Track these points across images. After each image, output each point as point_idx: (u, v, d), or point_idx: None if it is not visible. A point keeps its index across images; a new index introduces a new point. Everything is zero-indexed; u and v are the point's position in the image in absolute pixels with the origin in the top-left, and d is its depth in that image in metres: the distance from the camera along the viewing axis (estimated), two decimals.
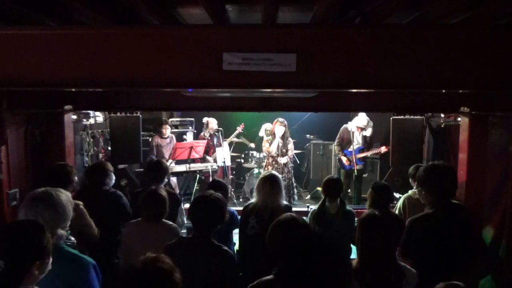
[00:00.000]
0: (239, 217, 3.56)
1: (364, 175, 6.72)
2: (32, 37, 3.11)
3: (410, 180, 4.19)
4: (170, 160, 6.31)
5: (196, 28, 3.39)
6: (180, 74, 3.16)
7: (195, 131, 8.00)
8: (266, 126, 7.28)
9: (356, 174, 6.32)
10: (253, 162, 7.71)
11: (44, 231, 1.78)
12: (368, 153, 6.45)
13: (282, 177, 4.30)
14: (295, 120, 7.91)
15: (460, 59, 3.08)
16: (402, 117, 4.83)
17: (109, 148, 5.91)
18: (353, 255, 2.91)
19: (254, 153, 7.75)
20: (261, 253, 2.34)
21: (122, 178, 4.82)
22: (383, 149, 6.28)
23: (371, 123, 6.45)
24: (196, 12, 3.23)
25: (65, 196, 2.21)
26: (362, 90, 3.80)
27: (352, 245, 3.32)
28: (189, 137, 7.81)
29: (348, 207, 3.79)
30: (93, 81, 3.22)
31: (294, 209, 3.80)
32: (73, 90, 3.92)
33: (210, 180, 6.27)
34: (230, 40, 3.08)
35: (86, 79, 3.18)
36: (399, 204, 3.92)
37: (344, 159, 6.44)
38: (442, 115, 5.52)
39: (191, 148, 6.49)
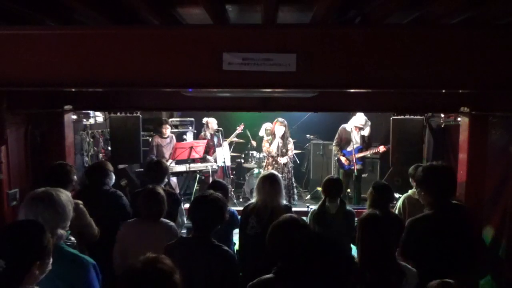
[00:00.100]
0: (239, 217, 3.56)
1: (363, 175, 6.72)
2: (32, 37, 3.11)
3: (410, 180, 4.19)
4: (170, 160, 6.31)
5: (196, 28, 3.39)
6: (180, 74, 3.15)
7: (195, 131, 8.00)
8: (266, 125, 7.28)
9: (356, 174, 6.33)
10: (253, 162, 7.72)
11: (45, 231, 1.78)
12: (367, 153, 6.46)
13: (282, 177, 4.30)
14: (295, 120, 7.91)
15: (460, 59, 3.08)
16: (402, 117, 4.83)
17: (109, 148, 5.91)
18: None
19: (254, 153, 7.75)
20: (261, 253, 2.34)
21: (122, 178, 4.83)
22: (382, 148, 6.29)
23: (368, 123, 6.45)
24: (196, 12, 3.22)
25: (65, 196, 2.21)
26: (362, 90, 3.81)
27: (352, 245, 3.32)
28: (189, 137, 7.81)
29: (348, 207, 3.79)
30: (93, 81, 3.21)
31: (294, 209, 3.81)
32: (73, 90, 3.93)
33: (210, 180, 6.29)
34: (230, 40, 3.08)
35: (86, 79, 3.18)
36: (399, 204, 3.92)
37: (343, 159, 6.45)
38: (442, 115, 5.52)
39: (191, 148, 6.50)
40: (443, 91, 3.90)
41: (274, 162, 6.53)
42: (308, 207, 4.58)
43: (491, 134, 4.33)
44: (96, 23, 3.47)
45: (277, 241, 2.12)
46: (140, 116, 4.97)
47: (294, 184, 7.01)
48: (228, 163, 7.31)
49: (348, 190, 6.82)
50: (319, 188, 5.78)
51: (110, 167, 3.80)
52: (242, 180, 8.05)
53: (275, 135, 6.48)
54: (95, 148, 6.23)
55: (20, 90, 3.48)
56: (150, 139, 6.69)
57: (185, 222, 3.97)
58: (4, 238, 1.74)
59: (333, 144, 6.70)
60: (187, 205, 3.50)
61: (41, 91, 3.93)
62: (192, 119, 8.06)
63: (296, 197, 7.15)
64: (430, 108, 4.92)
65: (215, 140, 7.21)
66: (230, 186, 6.82)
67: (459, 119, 4.79)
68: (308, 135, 8.49)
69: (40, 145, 4.26)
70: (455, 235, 2.71)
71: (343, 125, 6.58)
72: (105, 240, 3.12)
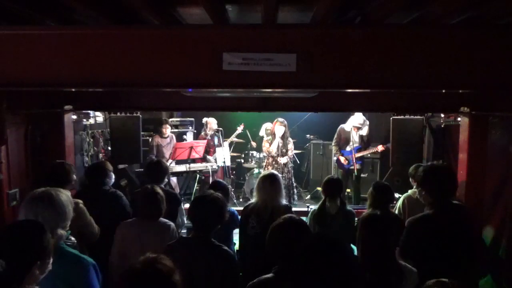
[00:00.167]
0: (239, 217, 3.56)
1: (362, 175, 6.73)
2: (32, 37, 3.11)
3: (410, 180, 4.19)
4: (170, 160, 6.31)
5: (196, 28, 3.39)
6: (180, 74, 3.15)
7: (195, 131, 8.00)
8: (267, 125, 7.28)
9: (355, 174, 6.33)
10: (253, 162, 7.72)
11: (45, 231, 1.78)
12: (366, 152, 6.46)
13: (282, 177, 4.31)
14: (295, 120, 7.90)
15: (460, 59, 3.08)
16: (402, 117, 4.83)
17: (109, 148, 5.91)
18: None
19: (254, 153, 7.75)
20: (261, 253, 2.34)
21: (122, 178, 4.83)
22: (380, 147, 6.31)
23: (367, 122, 6.46)
24: (196, 12, 3.22)
25: (65, 196, 2.21)
26: (362, 90, 3.81)
27: (352, 245, 3.32)
28: (189, 137, 7.81)
29: (348, 207, 3.79)
30: (93, 81, 3.21)
31: (294, 209, 3.81)
32: (73, 90, 3.93)
33: (210, 180, 6.29)
34: (230, 40, 3.08)
35: (86, 79, 3.18)
36: (399, 204, 3.92)
37: (342, 158, 6.46)
38: (442, 115, 5.52)
39: (191, 148, 6.50)
40: (443, 91, 3.90)
41: (274, 162, 6.53)
42: (308, 207, 4.58)
43: (491, 134, 4.33)
44: (96, 23, 3.47)
45: (276, 242, 2.12)
46: (140, 116, 4.98)
47: (294, 184, 7.01)
48: (228, 163, 7.31)
49: (348, 190, 6.82)
50: (319, 188, 5.78)
51: (110, 167, 3.80)
52: (242, 180, 8.05)
53: (275, 135, 6.48)
54: (95, 148, 6.23)
55: (20, 90, 3.49)
56: (150, 139, 6.70)
57: (185, 222, 3.97)
58: (4, 238, 1.74)
59: (332, 144, 6.70)
60: (187, 205, 3.50)
61: (41, 91, 3.93)
62: (192, 119, 8.06)
63: (296, 197, 7.14)
64: (430, 108, 4.92)
65: (215, 140, 7.22)
66: (230, 186, 6.83)
67: (459, 119, 4.79)
68: (308, 135, 8.49)
69: (40, 145, 4.26)
70: (455, 235, 2.71)
71: (341, 125, 6.59)
72: (105, 240, 3.12)
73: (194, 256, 2.37)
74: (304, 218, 3.63)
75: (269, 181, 3.36)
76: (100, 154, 6.38)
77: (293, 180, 6.85)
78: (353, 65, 3.09)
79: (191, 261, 2.34)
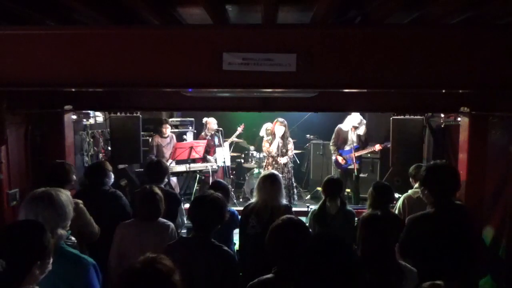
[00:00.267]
0: (239, 217, 3.56)
1: (361, 175, 6.73)
2: (32, 37, 3.11)
3: (410, 180, 4.19)
4: (170, 160, 6.31)
5: (196, 28, 3.39)
6: (180, 74, 3.15)
7: (195, 131, 8.00)
8: (267, 125, 7.28)
9: (355, 174, 6.34)
10: (253, 162, 7.72)
11: (45, 231, 1.78)
12: (364, 152, 6.47)
13: (282, 177, 4.30)
14: (295, 120, 7.90)
15: (460, 59, 3.08)
16: (402, 117, 4.83)
17: (109, 148, 5.91)
18: None
19: (254, 153, 7.76)
20: (261, 253, 2.34)
21: (122, 178, 4.83)
22: (378, 147, 6.32)
23: (364, 122, 6.47)
24: (196, 12, 3.22)
25: (65, 196, 2.22)
26: (362, 90, 3.80)
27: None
28: (189, 137, 7.81)
29: (348, 207, 3.79)
30: (93, 81, 3.21)
31: (294, 209, 3.81)
32: (73, 90, 3.92)
33: (210, 180, 6.30)
34: (230, 40, 3.08)
35: (86, 79, 3.18)
36: (399, 204, 3.92)
37: (340, 158, 6.46)
38: (442, 115, 5.52)
39: (191, 148, 6.50)
40: (443, 91, 3.90)
41: (274, 162, 6.53)
42: (308, 207, 4.58)
43: (491, 134, 4.33)
44: (96, 23, 3.47)
45: (275, 243, 2.12)
46: (140, 116, 4.98)
47: (294, 184, 7.01)
48: (228, 163, 7.32)
49: (348, 190, 6.82)
50: (319, 188, 5.78)
51: (109, 167, 3.80)
52: (242, 180, 8.05)
53: (275, 135, 6.49)
54: (95, 148, 6.23)
55: (20, 90, 3.48)
56: (150, 139, 6.70)
57: (185, 222, 3.97)
58: (5, 238, 1.74)
59: (330, 144, 6.71)
60: (187, 205, 3.50)
61: (41, 91, 3.93)
62: (192, 119, 8.06)
63: (296, 197, 7.15)
64: (430, 108, 4.92)
65: (216, 140, 7.22)
66: (230, 186, 6.83)
67: (459, 119, 4.79)
68: (308, 135, 8.49)
69: (40, 145, 4.26)
70: (455, 234, 2.71)
71: (339, 125, 6.61)
72: (105, 240, 3.12)
73: (194, 256, 2.37)
74: (304, 218, 3.64)
75: (270, 181, 3.36)
76: (100, 154, 6.37)
77: (293, 180, 6.85)
78: (353, 65, 3.09)
79: (191, 261, 2.34)
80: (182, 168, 6.41)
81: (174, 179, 6.64)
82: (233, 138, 7.77)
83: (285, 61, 3.01)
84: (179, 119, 8.11)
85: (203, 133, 7.28)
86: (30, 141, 4.06)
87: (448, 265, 2.63)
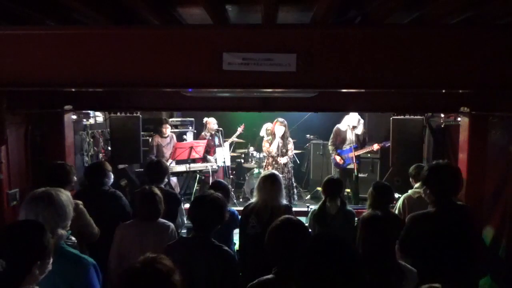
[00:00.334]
0: (239, 217, 3.56)
1: (361, 175, 6.73)
2: (32, 37, 3.11)
3: (410, 180, 4.19)
4: (170, 160, 6.31)
5: (196, 28, 3.39)
6: (180, 74, 3.15)
7: (195, 131, 8.01)
8: (267, 125, 7.28)
9: (355, 173, 6.34)
10: (253, 162, 7.72)
11: (45, 231, 1.78)
12: (362, 151, 6.47)
13: (282, 177, 4.30)
14: (295, 120, 7.90)
15: (460, 59, 3.08)
16: (402, 117, 4.83)
17: (109, 148, 5.91)
18: None
19: (254, 153, 7.76)
20: (261, 253, 2.34)
21: (122, 178, 4.83)
22: (376, 146, 6.32)
23: (362, 121, 6.48)
24: (196, 12, 3.22)
25: (65, 196, 2.21)
26: (362, 90, 3.80)
27: None
28: (189, 137, 7.81)
29: (348, 207, 3.79)
30: (93, 81, 3.21)
31: (294, 209, 3.81)
32: (73, 90, 3.92)
33: (210, 180, 6.30)
34: (230, 40, 3.08)
35: (86, 79, 3.18)
36: (399, 204, 3.92)
37: (338, 158, 6.46)
38: (442, 115, 5.52)
39: (191, 148, 6.50)
40: (443, 91, 3.90)
41: (274, 162, 6.53)
42: (308, 207, 4.58)
43: (491, 134, 4.33)
44: (95, 23, 3.47)
45: (274, 243, 2.12)
46: (140, 116, 4.98)
47: (294, 184, 7.01)
48: (228, 163, 7.32)
49: (348, 190, 6.82)
50: (319, 188, 5.79)
51: (109, 167, 3.80)
52: (242, 180, 8.06)
53: (275, 135, 6.49)
54: (95, 148, 6.23)
55: (20, 90, 3.48)
56: (150, 139, 6.70)
57: (185, 222, 3.97)
58: (4, 238, 1.74)
59: (329, 144, 6.72)
60: (187, 205, 3.50)
61: (41, 91, 3.93)
62: (192, 119, 8.06)
63: (296, 197, 7.15)
64: (430, 108, 4.92)
65: (216, 140, 7.22)
66: (230, 186, 6.83)
67: (459, 119, 4.79)
68: (308, 135, 8.49)
69: (40, 145, 4.26)
70: (455, 234, 2.71)
71: (337, 125, 6.61)
72: (105, 240, 3.12)
73: (194, 256, 2.37)
74: (304, 218, 3.64)
75: (270, 181, 3.36)
76: (100, 154, 6.38)
77: (293, 180, 6.85)
78: (353, 65, 3.09)
79: (191, 261, 2.34)
80: (182, 168, 6.41)
81: (174, 179, 6.64)
82: (233, 138, 7.77)
83: (285, 61, 3.01)
84: (179, 119, 8.11)
85: (203, 133, 7.28)
86: (30, 141, 4.06)
87: (448, 265, 2.63)
